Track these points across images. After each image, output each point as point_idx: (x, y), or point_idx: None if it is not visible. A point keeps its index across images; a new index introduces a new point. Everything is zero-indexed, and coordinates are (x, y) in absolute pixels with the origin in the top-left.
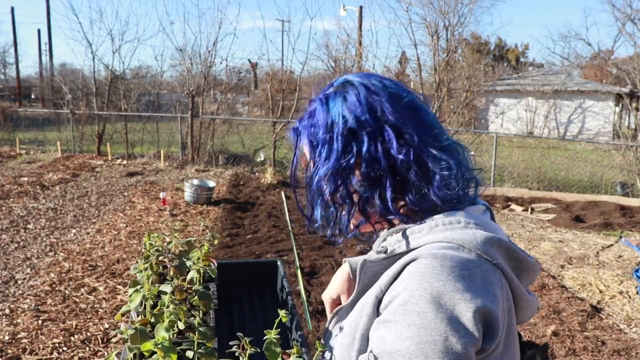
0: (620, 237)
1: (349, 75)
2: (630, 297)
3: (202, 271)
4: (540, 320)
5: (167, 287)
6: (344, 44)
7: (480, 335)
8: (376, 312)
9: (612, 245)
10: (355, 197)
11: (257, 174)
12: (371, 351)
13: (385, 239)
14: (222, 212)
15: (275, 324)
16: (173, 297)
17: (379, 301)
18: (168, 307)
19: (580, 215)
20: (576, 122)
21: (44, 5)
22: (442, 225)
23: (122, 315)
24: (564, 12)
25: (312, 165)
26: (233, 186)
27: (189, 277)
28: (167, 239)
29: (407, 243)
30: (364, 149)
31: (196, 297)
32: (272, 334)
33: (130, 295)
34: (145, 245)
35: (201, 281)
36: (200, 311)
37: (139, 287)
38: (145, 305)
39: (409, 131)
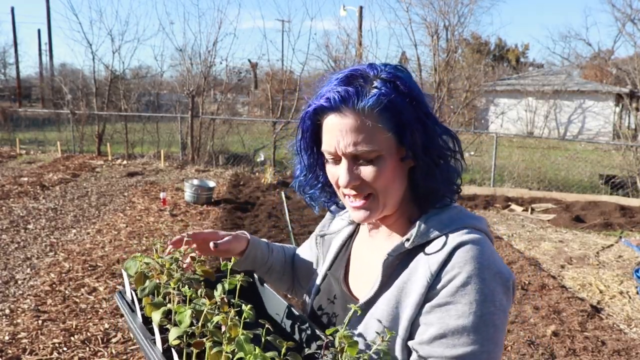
0: (620, 237)
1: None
2: (630, 297)
3: (236, 284)
4: (540, 320)
5: (202, 303)
6: (344, 44)
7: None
8: (424, 297)
9: (612, 245)
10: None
11: (257, 174)
12: (433, 334)
13: (418, 230)
14: (222, 212)
15: (349, 315)
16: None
17: (429, 287)
18: (232, 318)
19: (580, 215)
20: (576, 122)
21: (44, 5)
22: (456, 214)
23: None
24: (564, 12)
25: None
26: (233, 186)
27: (220, 289)
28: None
29: (437, 231)
30: None
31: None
32: (345, 325)
33: (176, 317)
34: (157, 262)
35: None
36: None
37: (165, 307)
38: (199, 324)
39: None
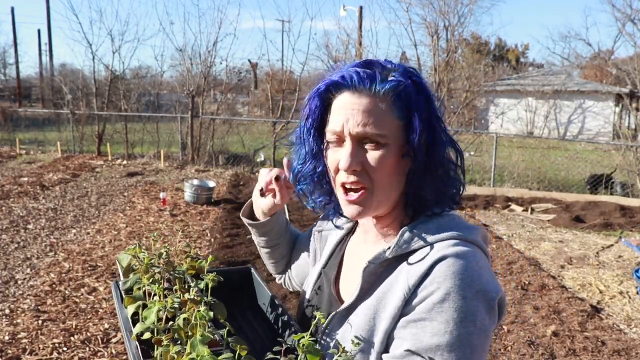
0: (620, 237)
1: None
2: (630, 297)
3: (210, 282)
4: (540, 321)
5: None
6: (344, 44)
7: (497, 318)
8: (401, 311)
9: (612, 245)
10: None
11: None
12: (406, 349)
13: (400, 239)
14: (222, 212)
15: (314, 323)
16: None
17: (406, 301)
18: (198, 319)
19: (580, 215)
20: (576, 122)
21: (44, 5)
22: (446, 223)
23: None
24: (564, 12)
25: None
26: (233, 186)
27: (193, 288)
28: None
29: (422, 241)
30: None
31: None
32: (307, 337)
33: (142, 313)
34: (139, 257)
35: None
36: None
37: (140, 302)
38: (162, 320)
39: None
